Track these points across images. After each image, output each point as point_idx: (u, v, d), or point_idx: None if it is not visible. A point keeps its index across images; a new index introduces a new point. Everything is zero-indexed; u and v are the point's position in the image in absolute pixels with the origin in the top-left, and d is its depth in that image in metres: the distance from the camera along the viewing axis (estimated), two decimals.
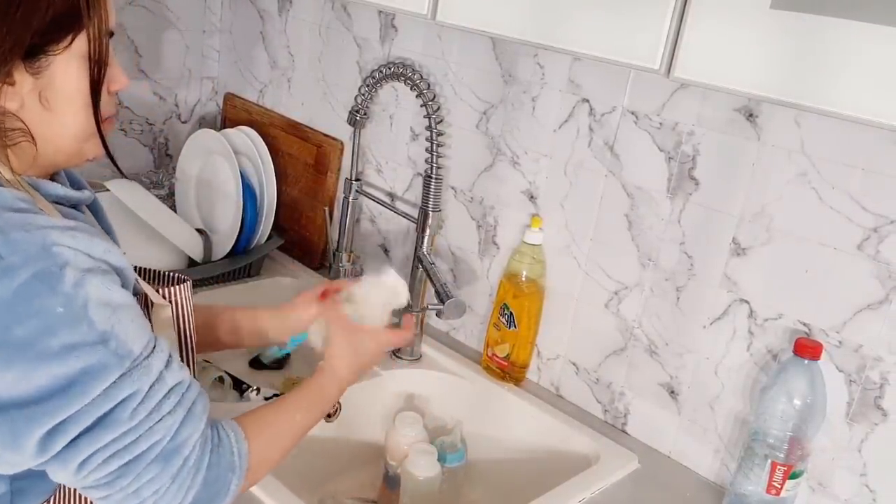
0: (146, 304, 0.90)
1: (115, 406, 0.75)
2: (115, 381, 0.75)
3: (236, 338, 1.14)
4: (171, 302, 0.94)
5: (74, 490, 0.86)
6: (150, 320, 0.89)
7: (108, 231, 0.97)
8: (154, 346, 0.80)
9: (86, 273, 0.75)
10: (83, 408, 0.73)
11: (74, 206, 0.88)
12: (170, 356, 0.82)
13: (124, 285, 0.81)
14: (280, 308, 1.16)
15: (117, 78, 0.86)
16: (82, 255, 0.75)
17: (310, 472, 1.28)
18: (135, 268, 0.95)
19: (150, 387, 0.78)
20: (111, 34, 0.83)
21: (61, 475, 0.77)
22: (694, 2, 0.95)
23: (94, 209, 0.96)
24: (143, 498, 0.79)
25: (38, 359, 0.72)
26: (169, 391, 0.80)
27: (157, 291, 0.93)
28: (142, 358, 0.78)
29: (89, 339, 0.74)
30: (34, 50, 0.77)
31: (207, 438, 0.84)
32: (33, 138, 0.80)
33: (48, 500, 0.85)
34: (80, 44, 0.79)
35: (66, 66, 0.79)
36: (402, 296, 1.11)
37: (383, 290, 1.11)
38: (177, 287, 0.95)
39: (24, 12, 0.75)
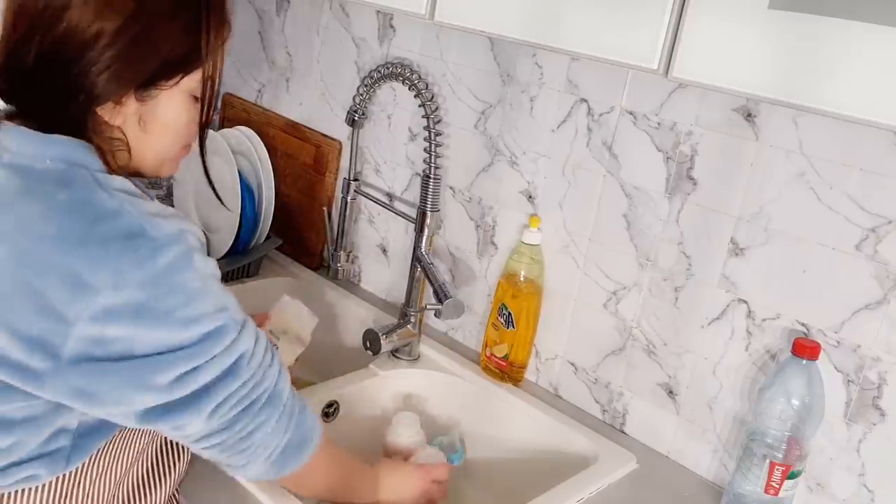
0: None
1: (237, 360, 0.86)
2: (234, 340, 0.86)
3: None
4: None
5: (118, 445, 0.93)
6: None
7: None
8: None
9: (200, 251, 0.86)
10: (212, 359, 0.84)
11: None
12: None
13: None
14: None
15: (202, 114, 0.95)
16: (193, 237, 0.86)
17: None
18: None
19: (255, 343, 0.90)
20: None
21: (194, 420, 0.86)
22: (692, 2, 0.95)
23: None
24: (252, 441, 0.90)
25: (178, 324, 0.82)
26: (266, 348, 0.92)
27: None
28: (245, 319, 0.90)
29: (215, 307, 0.85)
30: (147, 83, 0.86)
31: (293, 394, 0.96)
32: (129, 149, 0.90)
33: (94, 456, 0.91)
34: (189, 82, 0.89)
35: (170, 99, 0.89)
36: (304, 309, 1.32)
37: (289, 312, 1.31)
38: None
39: (147, 51, 0.85)
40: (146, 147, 0.91)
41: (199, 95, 0.91)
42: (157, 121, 0.89)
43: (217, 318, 0.85)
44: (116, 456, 0.93)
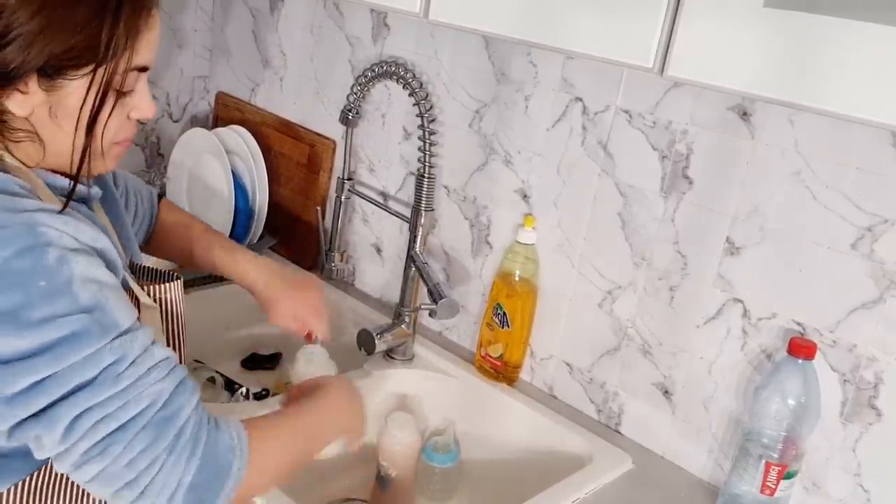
0: (134, 303, 0.92)
1: (99, 372, 0.78)
2: (98, 349, 0.78)
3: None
4: (158, 300, 0.96)
5: (45, 478, 0.87)
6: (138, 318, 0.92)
7: (117, 225, 1.02)
8: (140, 325, 0.84)
9: (71, 252, 0.79)
10: (63, 370, 0.76)
11: (84, 200, 0.93)
12: (154, 338, 0.85)
13: (112, 272, 0.85)
14: (261, 298, 1.23)
15: (140, 106, 0.90)
16: (68, 237, 0.79)
17: (301, 473, 1.27)
18: (131, 265, 0.97)
19: (138, 356, 0.81)
20: (144, 69, 0.88)
21: (49, 443, 0.78)
22: (687, 0, 0.95)
23: (108, 205, 1.04)
24: (138, 470, 0.79)
25: (21, 327, 0.75)
26: (157, 363, 0.83)
27: (145, 290, 0.94)
28: (129, 330, 0.81)
29: (71, 310, 0.77)
30: (50, 72, 0.81)
31: (203, 417, 0.85)
32: (42, 141, 0.85)
33: (20, 484, 0.86)
34: (108, 73, 0.84)
35: (80, 91, 0.83)
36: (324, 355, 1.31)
37: (317, 360, 1.29)
38: (166, 285, 0.97)
39: (47, 38, 0.80)
40: (61, 140, 0.86)
41: (125, 89, 0.86)
42: (69, 112, 0.84)
43: (71, 322, 0.77)
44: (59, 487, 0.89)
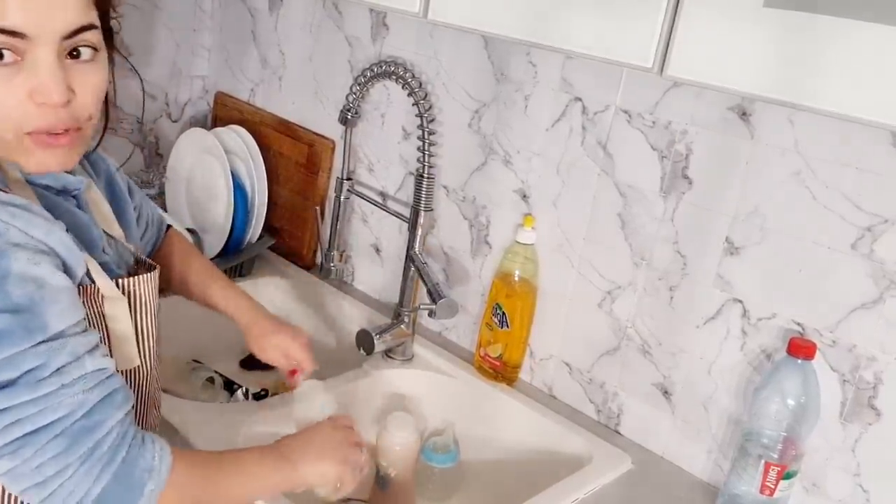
0: (97, 297, 0.89)
1: (20, 376, 0.75)
2: (20, 352, 0.75)
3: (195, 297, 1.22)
4: (127, 293, 0.93)
5: None
6: (101, 314, 0.90)
7: (121, 221, 1.00)
8: (82, 330, 0.81)
9: (13, 247, 0.76)
10: None
11: (66, 192, 0.90)
12: (97, 346, 0.83)
13: (66, 271, 0.81)
14: (251, 334, 1.20)
15: (39, 89, 0.79)
16: (15, 230, 0.76)
17: None
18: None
19: (65, 364, 0.78)
20: (19, 35, 0.76)
21: None
22: (686, 0, 0.95)
23: (112, 196, 1.01)
24: (46, 476, 0.78)
25: None
26: (86, 374, 0.80)
27: (117, 284, 0.92)
28: (59, 335, 0.78)
29: None
30: None
31: (128, 432, 0.83)
32: None
33: None
34: None
35: None
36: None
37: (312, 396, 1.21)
38: (136, 277, 0.94)
39: None
40: None
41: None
42: None
43: None
44: None
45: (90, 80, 0.83)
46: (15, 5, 0.75)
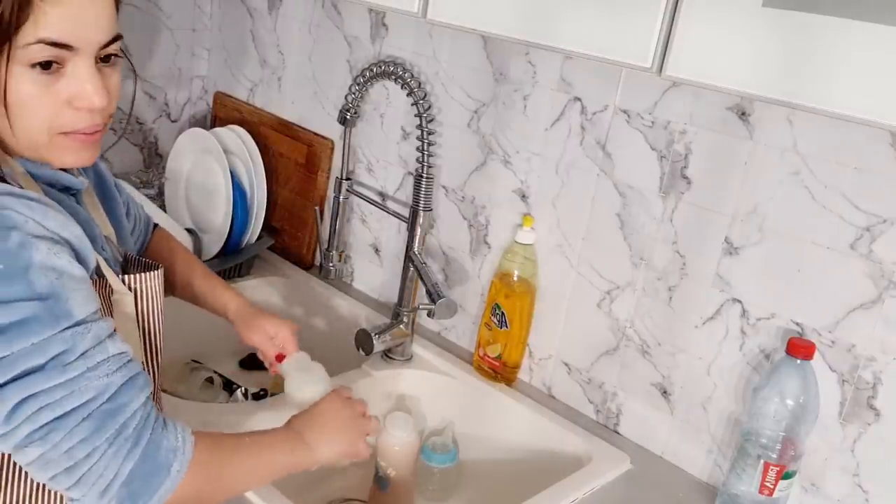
0: (106, 291, 0.92)
1: (47, 361, 0.78)
2: (48, 338, 0.77)
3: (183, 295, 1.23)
4: (133, 289, 0.95)
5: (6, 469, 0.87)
6: (110, 307, 0.92)
7: (112, 219, 1.02)
8: (100, 318, 0.83)
9: (34, 238, 0.78)
10: (11, 355, 0.76)
11: (67, 190, 0.92)
12: (115, 331, 0.85)
13: (80, 262, 0.84)
14: (239, 318, 1.21)
15: (81, 95, 0.83)
16: (34, 223, 0.79)
17: (300, 473, 1.27)
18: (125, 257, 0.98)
19: (89, 349, 0.80)
20: (64, 46, 0.80)
21: None
22: (685, 0, 0.95)
23: (102, 195, 1.03)
24: (76, 459, 0.80)
25: None
26: (109, 357, 0.82)
27: (122, 278, 0.94)
28: (82, 322, 0.80)
29: (24, 296, 0.77)
30: None
31: (150, 414, 0.85)
32: (12, 128, 0.83)
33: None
34: (22, 53, 0.79)
35: (10, 73, 0.79)
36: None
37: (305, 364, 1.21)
38: (144, 274, 0.97)
39: None
40: (17, 128, 0.83)
41: (35, 61, 0.80)
42: (13, 97, 0.81)
43: (23, 308, 0.77)
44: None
45: (114, 82, 0.88)
46: (61, 19, 0.80)
